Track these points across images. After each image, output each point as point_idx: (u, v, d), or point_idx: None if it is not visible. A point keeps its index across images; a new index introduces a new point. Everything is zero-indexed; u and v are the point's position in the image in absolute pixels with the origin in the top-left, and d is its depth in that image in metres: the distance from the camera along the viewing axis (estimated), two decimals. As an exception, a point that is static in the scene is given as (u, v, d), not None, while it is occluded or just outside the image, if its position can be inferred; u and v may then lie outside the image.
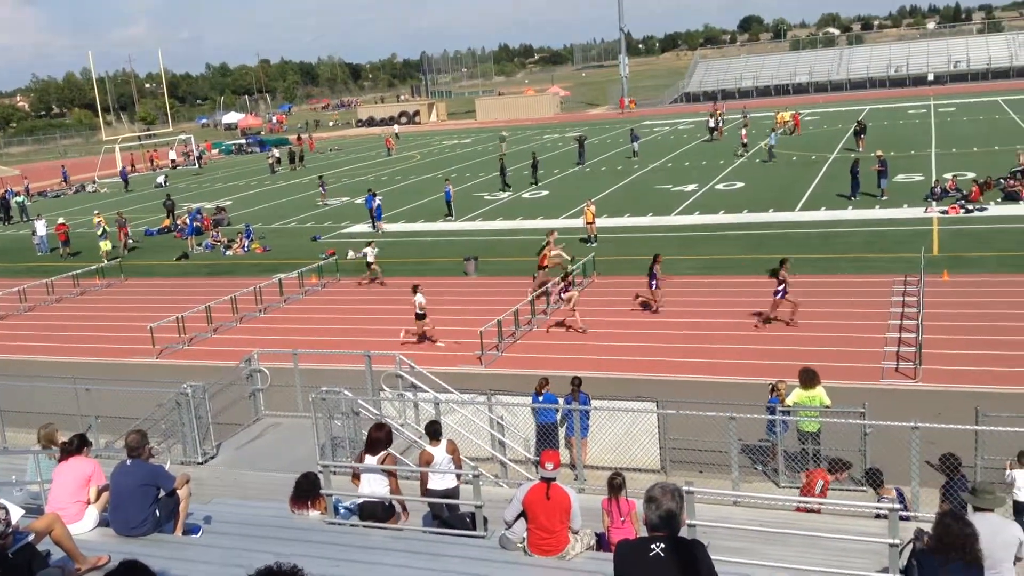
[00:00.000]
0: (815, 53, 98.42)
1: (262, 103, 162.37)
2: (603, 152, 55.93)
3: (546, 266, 23.65)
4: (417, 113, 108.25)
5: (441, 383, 14.91)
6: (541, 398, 13.99)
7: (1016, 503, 10.54)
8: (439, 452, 9.99)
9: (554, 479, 7.78)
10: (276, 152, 69.63)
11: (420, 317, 20.65)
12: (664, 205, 36.14)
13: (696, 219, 33.05)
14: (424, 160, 62.92)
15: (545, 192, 42.76)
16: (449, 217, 37.67)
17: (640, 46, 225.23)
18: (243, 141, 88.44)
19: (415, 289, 20.66)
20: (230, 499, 11.05)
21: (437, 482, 9.96)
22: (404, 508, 9.42)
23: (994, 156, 37.80)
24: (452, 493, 9.95)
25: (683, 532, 7.23)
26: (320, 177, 48.78)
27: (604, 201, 38.26)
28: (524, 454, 14.29)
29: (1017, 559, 6.82)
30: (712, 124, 55.53)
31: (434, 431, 10.16)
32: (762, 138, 49.29)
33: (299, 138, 79.63)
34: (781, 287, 19.78)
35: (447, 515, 9.74)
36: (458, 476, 9.96)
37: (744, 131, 50.62)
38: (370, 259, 26.79)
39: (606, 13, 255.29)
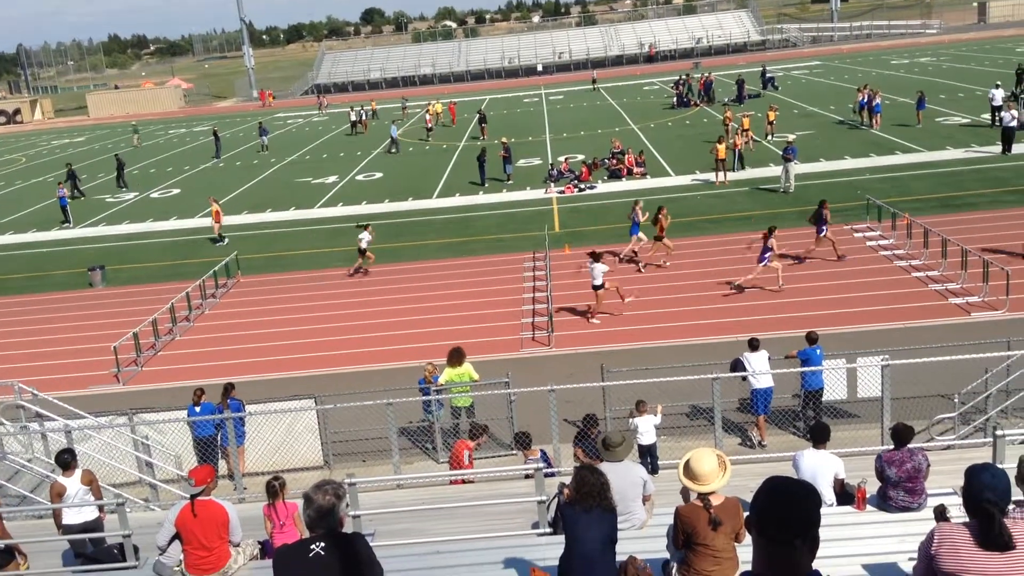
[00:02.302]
0: (436, 45, 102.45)
1: None
2: (237, 146, 53.87)
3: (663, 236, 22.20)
4: (18, 112, 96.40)
5: (72, 408, 13.54)
6: (199, 409, 13.24)
7: (640, 447, 11.91)
8: (72, 483, 9.12)
9: (200, 495, 7.43)
10: None
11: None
12: (307, 198, 35.73)
13: (340, 211, 33.09)
14: (31, 164, 56.30)
15: (177, 191, 40.30)
16: (66, 224, 34.13)
17: (264, 37, 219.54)
18: None
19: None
20: None
21: (73, 516, 9.10)
22: (20, 551, 8.48)
23: (598, 139, 42.07)
24: (94, 526, 9.12)
25: (349, 524, 7.25)
26: None
27: (243, 197, 36.95)
28: (176, 472, 13.44)
29: (644, 498, 7.70)
30: (354, 117, 55.18)
31: (65, 461, 9.25)
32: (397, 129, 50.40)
33: None
34: (767, 254, 19.38)
35: (91, 550, 8.91)
36: (100, 507, 9.13)
37: (395, 123, 50.41)
38: (363, 245, 24.11)
39: (225, 2, 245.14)
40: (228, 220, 30.68)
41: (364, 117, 56.15)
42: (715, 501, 5.35)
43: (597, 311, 19.24)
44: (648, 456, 11.95)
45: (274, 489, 8.43)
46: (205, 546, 7.37)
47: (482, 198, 32.99)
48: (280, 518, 8.30)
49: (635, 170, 34.04)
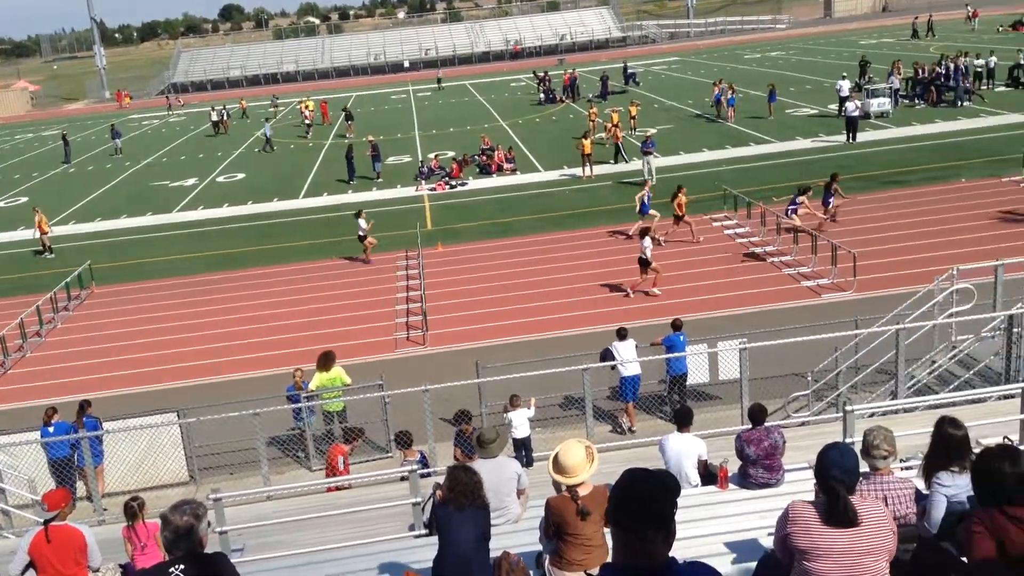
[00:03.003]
0: (298, 42, 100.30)
1: None
2: (89, 150, 51.22)
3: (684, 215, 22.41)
4: None
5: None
6: (51, 430, 12.51)
7: (515, 440, 12.02)
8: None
9: (54, 520, 7.04)
10: None
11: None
12: (164, 202, 34.34)
13: (201, 214, 31.96)
14: None
15: (25, 199, 37.96)
16: None
17: (117, 35, 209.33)
18: None
19: None
20: None
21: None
22: None
23: (467, 135, 42.15)
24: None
25: (215, 542, 7.02)
26: None
27: (96, 203, 35.20)
28: (31, 497, 12.67)
29: (519, 492, 7.76)
30: (216, 117, 53.18)
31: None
32: (258, 127, 49.08)
33: None
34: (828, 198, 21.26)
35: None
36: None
37: (268, 121, 48.58)
38: (361, 233, 23.39)
39: (75, 1, 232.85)
40: (80, 228, 29.20)
41: (225, 117, 54.29)
42: (583, 491, 5.45)
43: (639, 287, 19.38)
44: (523, 449, 12.07)
45: (132, 510, 8.07)
46: (62, 573, 7.00)
47: (351, 197, 32.51)
48: (141, 539, 7.95)
49: (505, 166, 34.29)
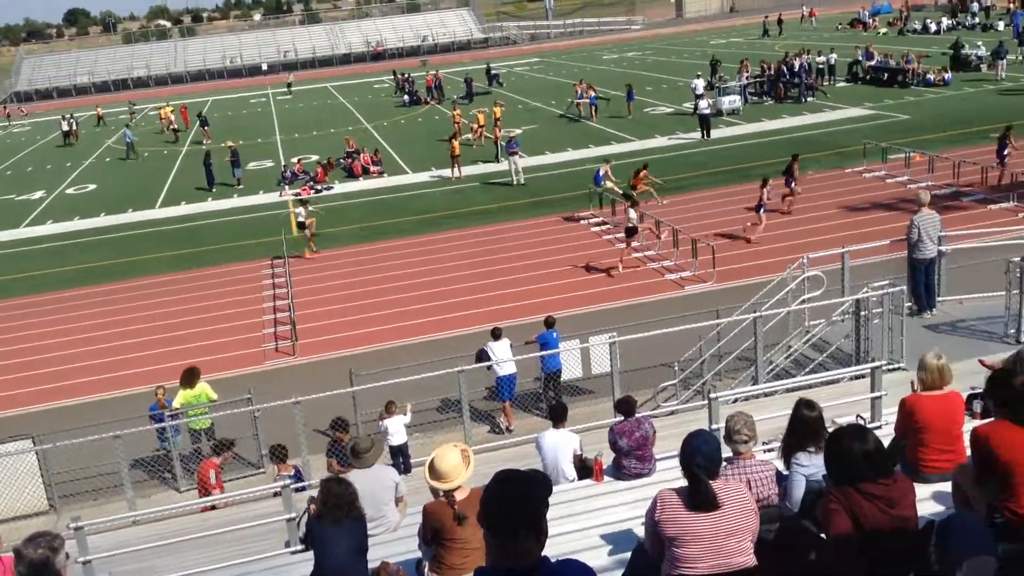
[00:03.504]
0: (149, 46, 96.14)
1: None
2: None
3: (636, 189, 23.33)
4: None
5: None
6: None
7: (391, 448, 11.90)
8: None
9: None
10: None
11: None
12: (10, 217, 32.31)
13: (51, 228, 30.26)
14: None
15: None
16: None
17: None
18: None
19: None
20: None
21: None
22: None
23: (331, 138, 41.49)
24: None
25: (77, 572, 6.65)
26: None
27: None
28: None
29: (397, 500, 7.69)
30: (66, 127, 50.11)
31: None
32: (112, 136, 46.80)
33: None
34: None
35: None
36: None
37: (128, 128, 46.10)
38: (302, 219, 23.41)
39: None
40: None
41: (74, 127, 51.44)
42: (460, 496, 5.44)
43: (625, 256, 20.29)
44: (400, 456, 11.98)
45: (-17, 547, 7.54)
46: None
47: (212, 205, 31.46)
48: (-6, 578, 7.44)
49: (372, 169, 33.93)
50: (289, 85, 66.02)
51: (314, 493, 8.03)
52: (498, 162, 32.75)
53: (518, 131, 33.98)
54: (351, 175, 33.86)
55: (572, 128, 39.31)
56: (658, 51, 68.61)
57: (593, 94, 41.02)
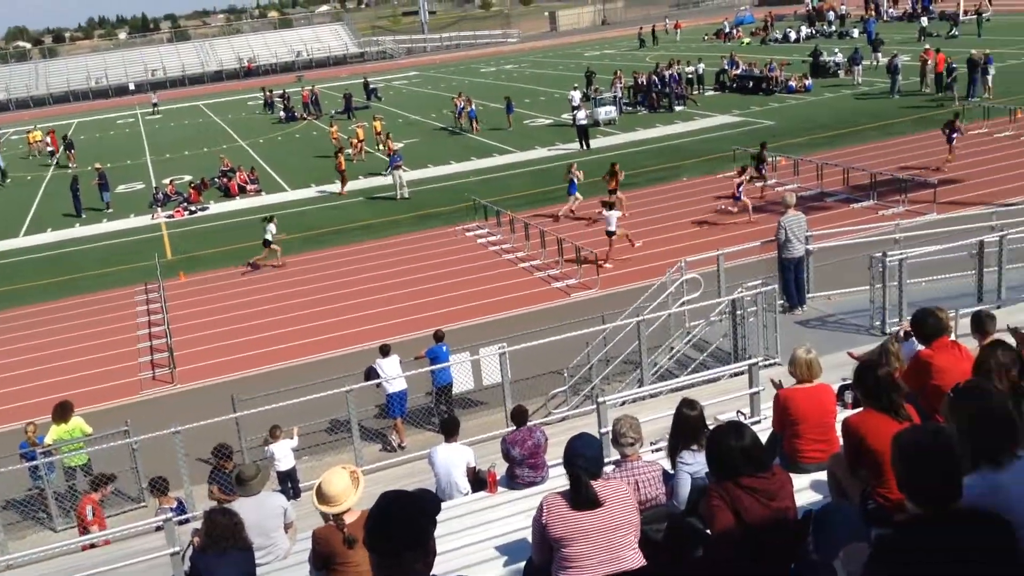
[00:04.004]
0: (8, 68, 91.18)
1: None
2: None
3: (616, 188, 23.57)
4: None
5: None
6: None
7: (279, 473, 11.60)
8: None
9: None
10: None
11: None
12: None
13: None
14: None
15: None
16: None
17: None
18: None
19: None
20: None
21: None
22: None
23: (205, 158, 40.30)
24: None
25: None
26: None
27: None
28: None
29: (287, 526, 7.49)
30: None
31: None
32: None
33: None
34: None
35: None
36: None
37: None
38: (269, 236, 22.94)
39: None
40: None
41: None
42: (350, 519, 5.34)
43: (611, 256, 20.39)
44: (289, 481, 11.68)
45: None
46: None
47: (80, 231, 30.07)
48: None
49: (248, 187, 33.12)
50: (155, 105, 63.79)
51: (198, 525, 7.74)
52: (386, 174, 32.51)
53: (399, 145, 33.82)
54: (227, 194, 32.96)
55: (454, 141, 39.40)
56: (535, 63, 69.56)
57: (472, 107, 41.23)
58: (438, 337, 14.26)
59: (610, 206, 20.61)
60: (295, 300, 20.59)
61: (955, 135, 25.08)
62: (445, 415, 12.28)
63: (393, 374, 13.50)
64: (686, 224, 22.85)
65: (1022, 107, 28.96)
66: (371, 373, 13.57)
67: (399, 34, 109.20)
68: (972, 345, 6.97)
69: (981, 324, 7.15)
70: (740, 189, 22.88)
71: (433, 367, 13.70)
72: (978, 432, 3.32)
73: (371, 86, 57.66)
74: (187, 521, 9.71)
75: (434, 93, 57.17)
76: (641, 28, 73.44)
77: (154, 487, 10.93)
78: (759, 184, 24.22)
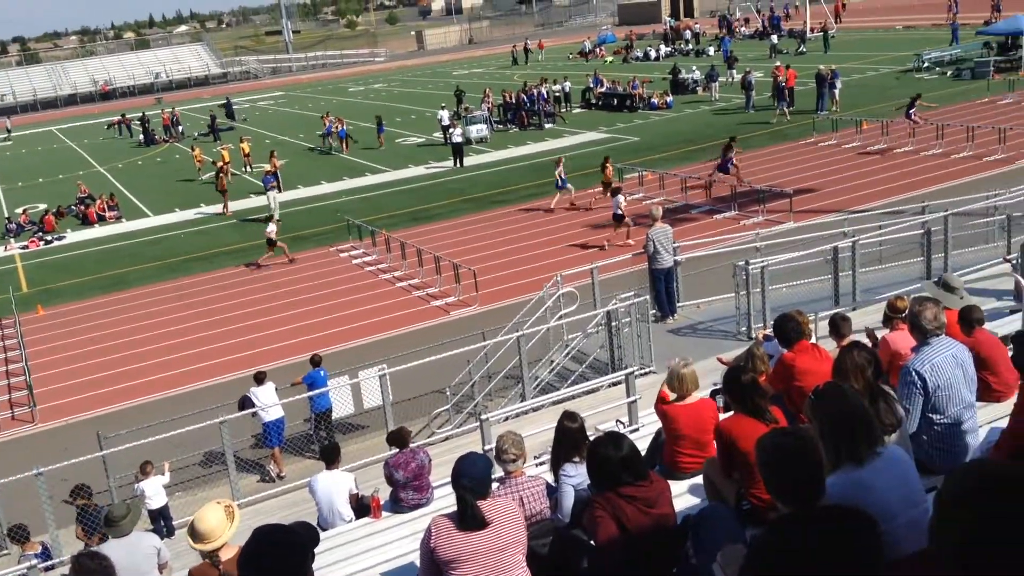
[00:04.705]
0: None
1: None
2: None
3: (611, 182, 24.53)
4: None
5: None
6: None
7: (151, 512, 11.09)
8: None
9: None
10: None
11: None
12: None
13: None
14: None
15: None
16: None
17: None
18: None
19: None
20: None
21: None
22: None
23: (61, 184, 38.37)
24: None
25: None
26: None
27: None
28: None
29: (161, 567, 7.16)
30: None
31: None
32: None
33: None
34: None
35: None
36: None
37: None
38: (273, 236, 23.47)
39: None
40: None
41: None
42: (225, 555, 5.16)
43: (614, 240, 21.31)
44: (161, 519, 11.18)
45: None
46: None
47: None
48: None
49: (107, 214, 31.69)
50: (8, 131, 60.36)
51: (66, 571, 7.32)
52: (281, 191, 31.86)
53: (268, 166, 33.04)
54: (86, 222, 31.45)
55: (324, 161, 38.85)
56: (404, 82, 69.44)
57: (342, 127, 40.79)
58: (315, 362, 13.98)
59: (616, 191, 21.96)
60: (162, 330, 19.79)
61: (729, 163, 24.80)
62: (325, 441, 12.07)
63: (269, 402, 13.14)
64: (560, 239, 23.21)
65: (868, 119, 30.81)
66: (246, 402, 13.17)
67: (263, 54, 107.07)
68: (831, 347, 7.37)
69: (837, 327, 7.57)
70: (731, 165, 24.71)
71: (311, 393, 13.41)
72: (838, 432, 3.50)
73: (235, 107, 56.23)
74: (53, 567, 9.17)
75: (301, 113, 56.25)
76: (514, 46, 74.58)
77: (13, 535, 10.28)
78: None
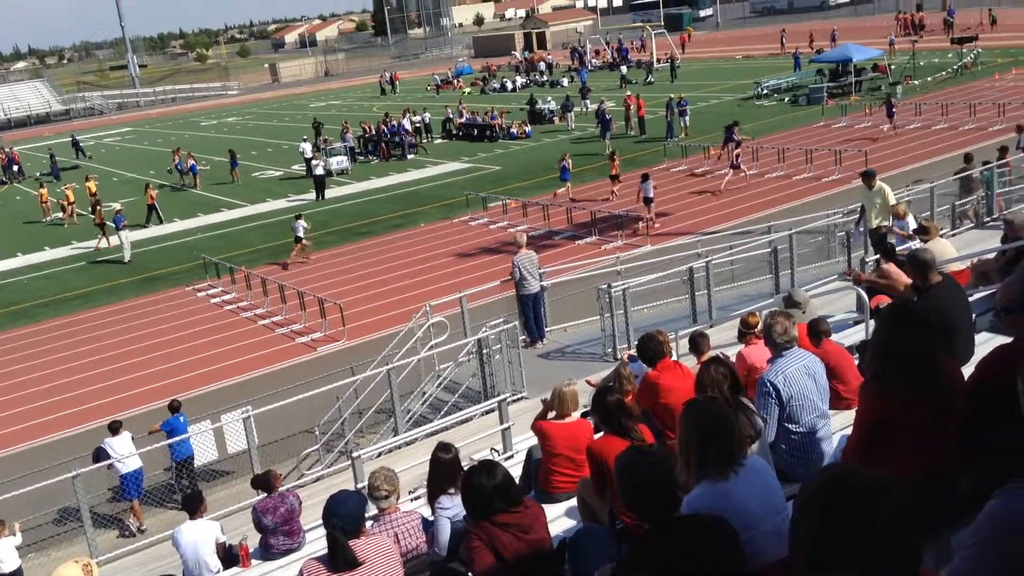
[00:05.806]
0: None
1: None
2: None
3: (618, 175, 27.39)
4: None
5: None
6: None
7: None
8: None
9: None
10: None
11: None
12: None
13: None
14: None
15: None
16: None
17: None
18: None
19: None
20: None
21: None
22: None
23: None
24: None
25: None
26: None
27: None
28: None
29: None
30: None
31: None
32: None
33: None
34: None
35: None
36: None
37: None
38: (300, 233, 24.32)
39: None
40: None
41: None
42: (86, 617, 4.86)
43: (652, 225, 23.82)
44: (12, 585, 10.42)
45: None
46: None
47: None
48: None
49: (-62, 262, 29.52)
50: None
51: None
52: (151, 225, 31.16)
53: (118, 205, 31.64)
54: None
55: (177, 197, 37.51)
56: (259, 115, 68.05)
57: (193, 162, 39.57)
58: (173, 408, 13.38)
59: (645, 177, 24.17)
60: (8, 382, 18.55)
61: (733, 135, 28.87)
62: (187, 490, 11.54)
63: (125, 452, 12.48)
64: (426, 269, 23.17)
65: (715, 144, 32.29)
66: (100, 454, 12.46)
67: (108, 89, 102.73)
68: (693, 363, 7.63)
69: (696, 344, 7.87)
70: (739, 159, 27.08)
71: (170, 440, 12.82)
72: (701, 446, 3.63)
73: (79, 144, 53.65)
74: None
75: (151, 149, 54.23)
76: (381, 76, 74.70)
77: None
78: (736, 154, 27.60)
